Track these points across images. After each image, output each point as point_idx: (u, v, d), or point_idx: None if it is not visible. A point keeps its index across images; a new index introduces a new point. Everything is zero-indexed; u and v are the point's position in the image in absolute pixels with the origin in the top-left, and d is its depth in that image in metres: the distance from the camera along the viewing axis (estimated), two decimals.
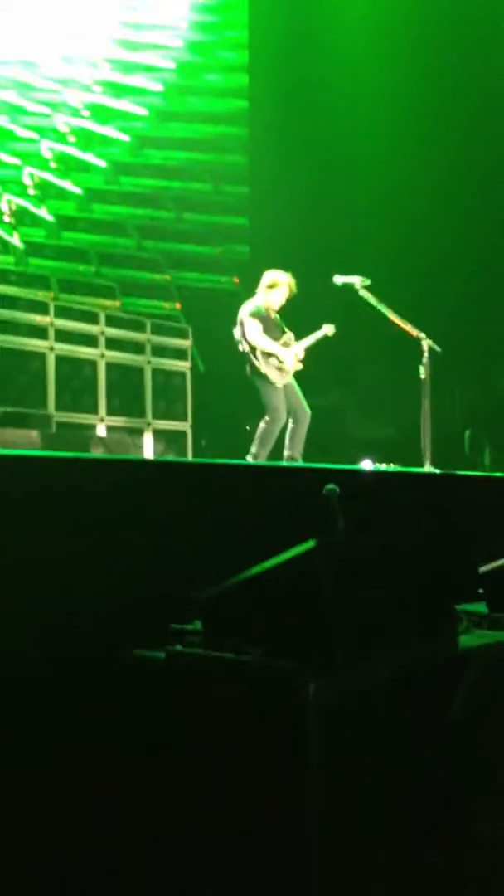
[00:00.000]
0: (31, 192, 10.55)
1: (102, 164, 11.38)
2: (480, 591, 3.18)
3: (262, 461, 6.86)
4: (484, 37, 11.70)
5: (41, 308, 7.87)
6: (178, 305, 10.88)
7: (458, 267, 11.50)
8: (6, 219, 9.41)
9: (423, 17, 11.86)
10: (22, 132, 10.77)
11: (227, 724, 2.19)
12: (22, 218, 10.40)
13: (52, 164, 10.94)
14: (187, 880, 2.25)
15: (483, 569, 3.22)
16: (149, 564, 2.96)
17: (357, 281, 6.63)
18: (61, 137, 11.11)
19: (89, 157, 11.29)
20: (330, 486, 2.99)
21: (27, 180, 10.59)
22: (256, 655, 2.18)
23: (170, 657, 2.31)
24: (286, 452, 7.14)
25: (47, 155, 10.92)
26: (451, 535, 2.67)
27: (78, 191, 11.08)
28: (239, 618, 2.32)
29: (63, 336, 7.91)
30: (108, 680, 2.51)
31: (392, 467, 6.56)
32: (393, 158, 11.71)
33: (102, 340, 8.24)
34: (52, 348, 7.81)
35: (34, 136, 10.88)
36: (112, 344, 8.31)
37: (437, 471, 5.72)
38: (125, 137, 11.63)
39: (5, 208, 9.28)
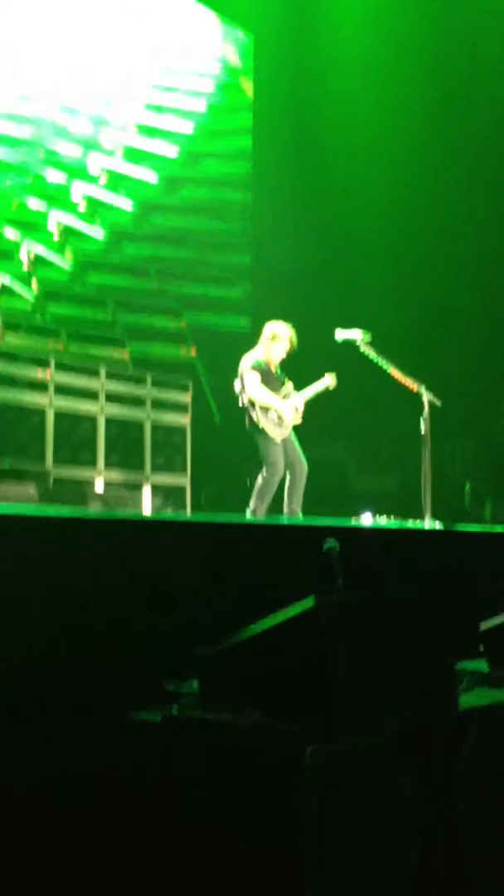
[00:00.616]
0: (55, 237, 10.67)
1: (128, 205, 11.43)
2: (481, 648, 3.14)
3: (260, 516, 6.83)
4: (489, 86, 11.86)
5: (41, 362, 7.91)
6: (192, 352, 10.89)
7: (460, 319, 11.57)
8: (25, 267, 9.50)
9: (427, 66, 12.02)
10: (51, 176, 10.85)
11: (224, 787, 2.15)
12: (44, 261, 10.50)
13: (80, 209, 11.03)
14: None
15: (484, 625, 3.18)
16: (145, 622, 2.93)
17: (358, 336, 6.65)
18: (92, 179, 11.19)
19: (116, 200, 11.34)
20: (330, 542, 2.97)
21: (52, 227, 10.72)
22: (254, 718, 2.14)
23: (165, 721, 2.28)
24: (286, 508, 7.11)
25: (75, 199, 11.03)
26: (451, 590, 2.64)
27: (101, 235, 11.13)
28: (238, 677, 2.29)
29: (63, 390, 7.94)
30: (104, 741, 2.47)
31: (392, 521, 6.54)
32: (395, 210, 11.81)
33: (102, 395, 8.27)
34: (51, 403, 7.83)
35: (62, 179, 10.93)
36: (112, 398, 8.34)
37: (439, 524, 5.70)
38: (153, 178, 11.71)
39: (24, 258, 9.36)
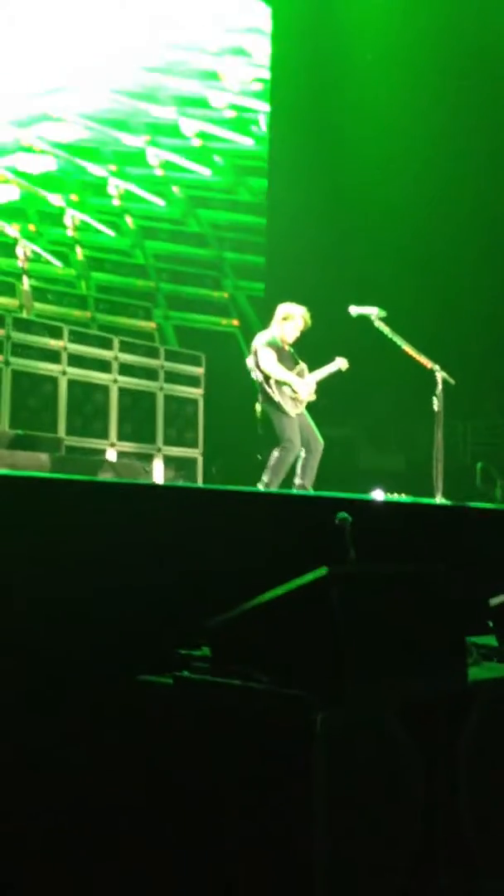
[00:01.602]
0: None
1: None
2: (490, 623, 3.15)
3: (274, 489, 6.84)
4: (495, 76, 11.80)
5: (55, 332, 7.91)
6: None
7: (473, 299, 11.53)
8: (20, 263, 9.59)
9: (446, 44, 11.96)
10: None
11: (234, 751, 2.17)
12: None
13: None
14: None
15: (493, 601, 3.20)
16: (157, 589, 2.95)
17: (373, 312, 6.66)
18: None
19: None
20: (342, 514, 2.98)
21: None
22: (265, 683, 2.16)
23: (177, 682, 2.30)
24: (297, 481, 7.12)
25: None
26: (461, 567, 2.65)
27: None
28: (248, 644, 2.31)
29: (76, 360, 7.95)
30: (117, 704, 2.49)
31: (404, 498, 6.54)
32: (410, 192, 11.78)
33: (116, 366, 8.26)
34: (64, 372, 7.84)
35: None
36: (125, 369, 8.34)
37: (448, 502, 5.70)
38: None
39: (21, 253, 9.43)
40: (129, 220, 11.50)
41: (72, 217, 10.68)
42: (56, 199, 10.52)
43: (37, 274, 10.03)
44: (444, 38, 12.01)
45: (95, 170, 11.26)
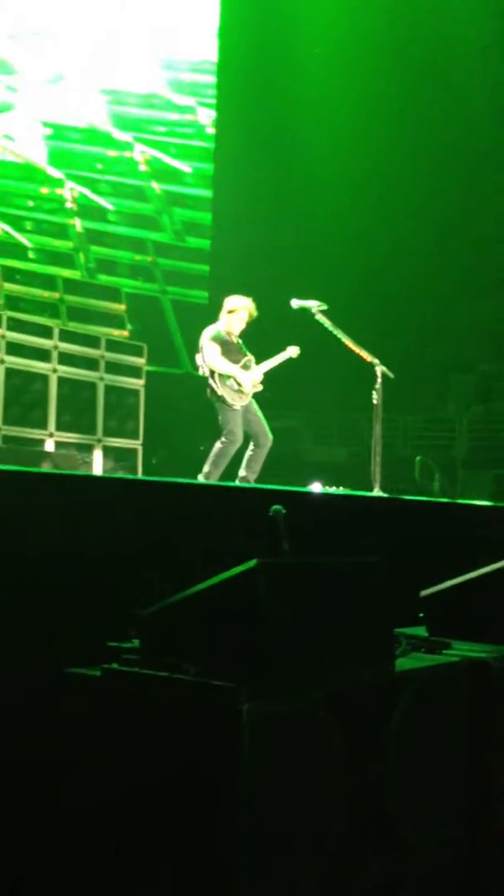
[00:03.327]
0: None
1: None
2: (421, 615, 3.20)
3: (213, 481, 6.85)
4: (446, 70, 11.91)
5: None
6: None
7: (414, 294, 11.65)
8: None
9: (389, 53, 12.05)
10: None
11: (161, 742, 2.17)
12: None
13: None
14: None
15: (424, 593, 3.24)
16: (90, 581, 2.94)
17: (314, 305, 6.71)
18: None
19: None
20: (276, 507, 2.99)
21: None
22: (193, 674, 2.17)
23: (105, 674, 2.29)
24: (241, 473, 7.15)
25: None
26: (394, 558, 2.68)
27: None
28: (177, 636, 2.31)
29: (14, 349, 7.85)
30: (44, 697, 2.48)
31: (341, 490, 6.60)
32: (354, 187, 11.85)
33: (55, 355, 8.18)
34: (2, 361, 7.74)
35: None
36: (65, 359, 8.26)
37: (385, 495, 5.77)
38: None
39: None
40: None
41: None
42: None
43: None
44: (392, 32, 12.09)
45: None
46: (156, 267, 11.83)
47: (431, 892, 2.60)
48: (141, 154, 12.13)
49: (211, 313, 7.61)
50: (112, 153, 11.94)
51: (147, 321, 11.04)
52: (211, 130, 12.70)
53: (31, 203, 11.08)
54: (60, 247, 11.06)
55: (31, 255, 10.82)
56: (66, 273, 10.82)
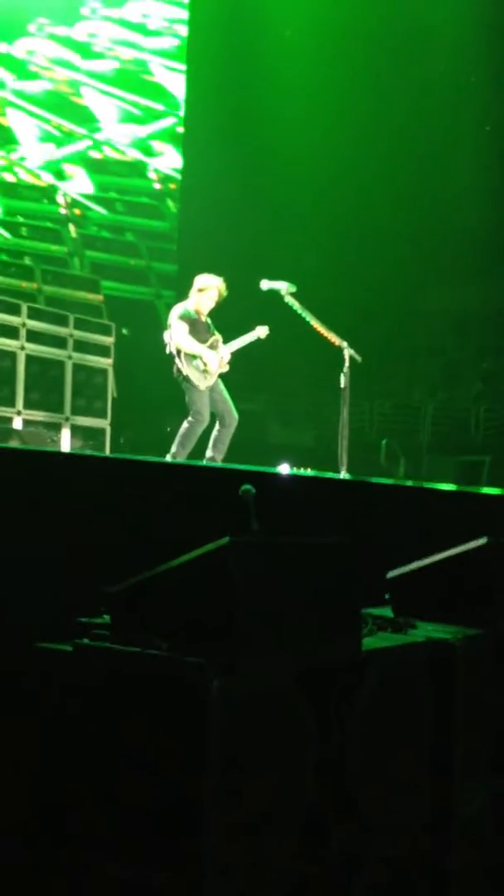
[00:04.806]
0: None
1: None
2: (387, 596, 3.25)
3: (180, 460, 6.86)
4: (421, 52, 11.92)
5: None
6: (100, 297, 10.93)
7: (382, 278, 11.69)
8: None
9: (360, 36, 12.04)
10: None
11: (131, 718, 2.19)
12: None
13: None
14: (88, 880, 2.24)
15: (390, 574, 3.29)
16: (61, 557, 2.95)
17: (283, 287, 6.72)
18: None
19: None
20: (246, 486, 3.02)
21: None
22: (164, 650, 2.19)
23: (76, 650, 2.30)
24: (208, 453, 7.17)
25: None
26: (361, 540, 2.72)
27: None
28: (148, 612, 2.33)
29: None
30: (13, 672, 2.49)
31: (308, 472, 6.64)
32: (324, 170, 11.85)
33: (23, 332, 8.12)
34: None
35: None
36: (33, 336, 8.20)
37: (351, 477, 5.81)
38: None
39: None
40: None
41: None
42: None
43: None
44: (364, 13, 12.07)
45: None
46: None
47: (392, 872, 2.66)
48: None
49: (181, 288, 7.59)
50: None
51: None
52: (181, 112, 12.65)
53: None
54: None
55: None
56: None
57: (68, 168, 11.64)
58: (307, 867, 2.37)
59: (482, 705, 3.06)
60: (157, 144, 12.33)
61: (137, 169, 12.02)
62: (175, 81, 12.50)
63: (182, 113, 12.55)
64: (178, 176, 11.59)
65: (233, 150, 12.02)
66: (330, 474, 5.93)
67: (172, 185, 11.73)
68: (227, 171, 12.01)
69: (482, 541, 3.22)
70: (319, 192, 11.81)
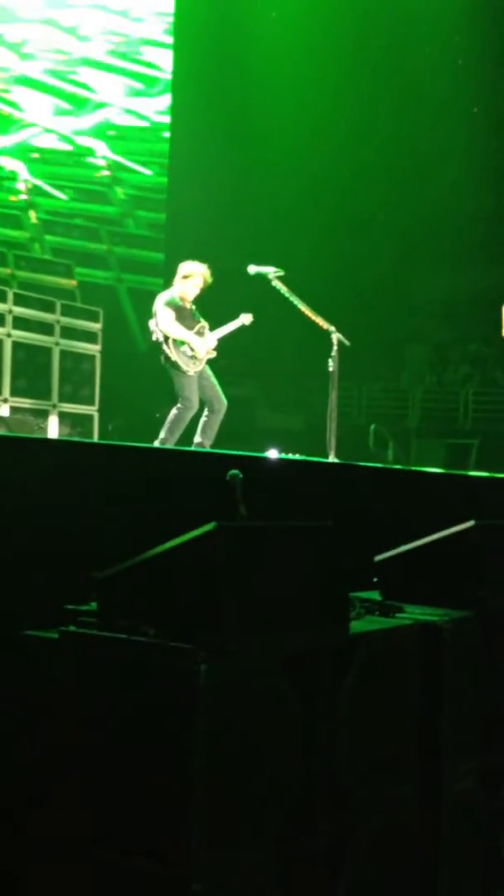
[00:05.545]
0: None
1: None
2: (375, 579, 3.25)
3: (169, 446, 6.85)
4: (398, 42, 11.89)
5: None
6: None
7: (371, 263, 11.68)
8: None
9: (346, 19, 11.99)
10: None
11: (119, 704, 2.19)
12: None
13: None
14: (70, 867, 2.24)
15: (378, 558, 3.29)
16: (52, 544, 2.94)
17: (271, 271, 6.70)
18: None
19: None
20: (233, 471, 3.01)
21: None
22: (151, 636, 2.18)
23: (63, 637, 2.30)
24: (196, 439, 7.16)
25: None
26: (349, 524, 2.72)
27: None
28: (135, 598, 2.32)
29: None
30: (1, 659, 2.48)
31: (296, 457, 6.63)
32: (311, 153, 11.82)
33: (10, 319, 8.08)
34: None
35: None
36: (20, 323, 8.16)
37: (340, 461, 5.81)
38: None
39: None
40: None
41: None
42: None
43: None
44: (351, 1, 12.02)
45: None
46: (111, 255, 11.77)
47: (380, 852, 2.67)
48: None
49: (168, 275, 7.56)
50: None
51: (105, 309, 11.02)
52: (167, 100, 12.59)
53: None
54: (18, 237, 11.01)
55: None
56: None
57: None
58: (295, 850, 2.38)
59: (470, 687, 3.07)
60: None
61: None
62: (163, 58, 12.43)
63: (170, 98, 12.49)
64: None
65: (221, 137, 11.98)
66: (318, 459, 5.93)
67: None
68: (216, 157, 11.96)
69: (470, 524, 3.23)
70: (307, 178, 11.78)
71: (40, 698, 2.35)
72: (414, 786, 2.80)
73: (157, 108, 12.62)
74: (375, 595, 3.17)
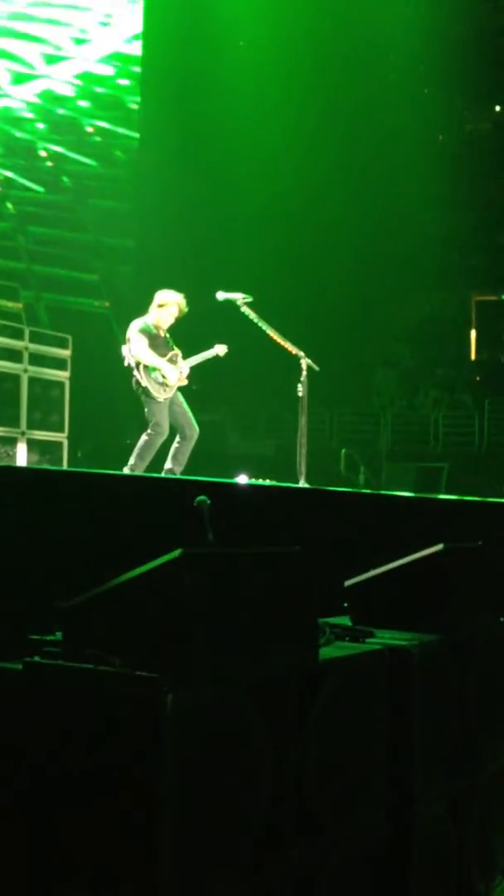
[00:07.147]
0: None
1: None
2: (345, 604, 3.24)
3: (137, 473, 6.83)
4: (364, 70, 12.06)
5: None
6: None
7: (339, 288, 11.77)
8: None
9: (314, 47, 12.15)
10: None
11: (85, 735, 2.16)
12: None
13: None
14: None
15: (348, 583, 3.28)
16: (15, 573, 2.90)
17: (239, 297, 6.73)
18: None
19: None
20: (201, 497, 3.00)
21: None
22: (116, 665, 2.16)
23: (27, 668, 2.27)
24: (167, 465, 7.15)
25: None
26: (319, 549, 2.71)
27: None
28: (100, 627, 2.29)
29: None
30: None
31: (267, 482, 6.63)
32: (280, 180, 11.91)
33: None
34: None
35: None
36: None
37: (309, 486, 5.81)
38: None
39: None
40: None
41: None
42: None
43: None
44: (318, 30, 12.19)
45: None
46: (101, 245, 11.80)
47: (350, 879, 2.65)
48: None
49: (138, 304, 7.57)
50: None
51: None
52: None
53: None
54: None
55: None
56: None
57: None
58: (266, 880, 2.35)
59: (440, 711, 3.06)
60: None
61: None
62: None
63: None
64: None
65: (188, 163, 12.06)
66: (288, 484, 5.93)
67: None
68: (183, 182, 12.03)
69: (439, 547, 3.23)
70: (274, 205, 11.88)
71: (4, 731, 2.31)
72: (384, 812, 2.78)
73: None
74: (345, 620, 3.17)
